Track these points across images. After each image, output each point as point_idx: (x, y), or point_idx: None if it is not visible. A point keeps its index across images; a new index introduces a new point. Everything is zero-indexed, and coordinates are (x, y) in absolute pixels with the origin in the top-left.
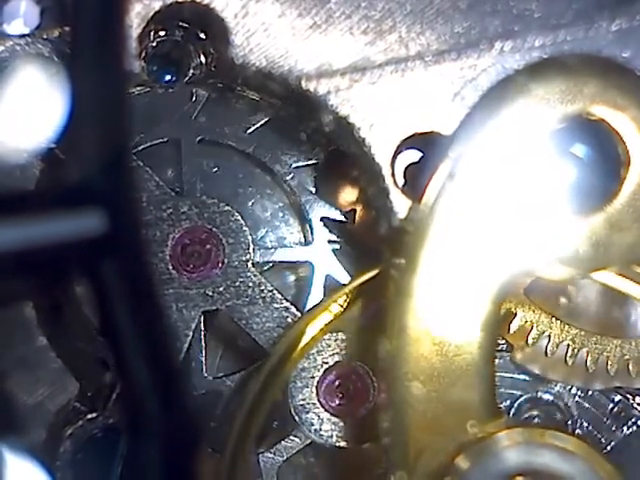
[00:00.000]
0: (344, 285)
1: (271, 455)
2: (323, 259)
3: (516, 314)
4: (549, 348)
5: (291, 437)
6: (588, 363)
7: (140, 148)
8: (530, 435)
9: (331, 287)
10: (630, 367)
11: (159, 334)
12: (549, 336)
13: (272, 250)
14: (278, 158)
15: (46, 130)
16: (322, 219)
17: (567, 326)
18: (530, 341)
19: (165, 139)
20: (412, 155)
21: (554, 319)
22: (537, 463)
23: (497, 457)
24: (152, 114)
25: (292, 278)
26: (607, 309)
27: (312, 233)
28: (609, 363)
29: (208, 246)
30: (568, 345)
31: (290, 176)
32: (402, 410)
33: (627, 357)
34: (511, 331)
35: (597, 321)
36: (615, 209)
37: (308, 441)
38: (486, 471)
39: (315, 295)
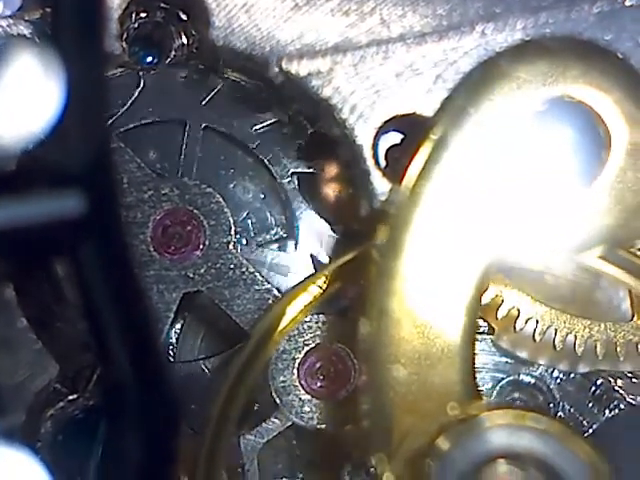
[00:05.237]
0: (325, 266)
1: (252, 437)
2: (305, 239)
3: (503, 300)
4: (537, 333)
5: (272, 419)
6: (576, 347)
7: (122, 130)
8: (511, 417)
9: (313, 267)
10: (618, 350)
11: (139, 316)
12: (536, 321)
13: (253, 232)
14: (260, 139)
15: (34, 113)
16: (293, 174)
17: (554, 310)
18: (517, 326)
19: (148, 120)
20: (393, 137)
21: (540, 304)
22: (518, 445)
23: (478, 439)
24: (133, 96)
25: (273, 260)
26: (592, 293)
27: (293, 213)
28: (597, 347)
29: (189, 228)
30: (556, 330)
31: (271, 158)
32: (383, 392)
33: (614, 340)
34: (499, 317)
35: (582, 305)
36: (597, 192)
37: (289, 423)
38: (467, 452)
39: (296, 277)
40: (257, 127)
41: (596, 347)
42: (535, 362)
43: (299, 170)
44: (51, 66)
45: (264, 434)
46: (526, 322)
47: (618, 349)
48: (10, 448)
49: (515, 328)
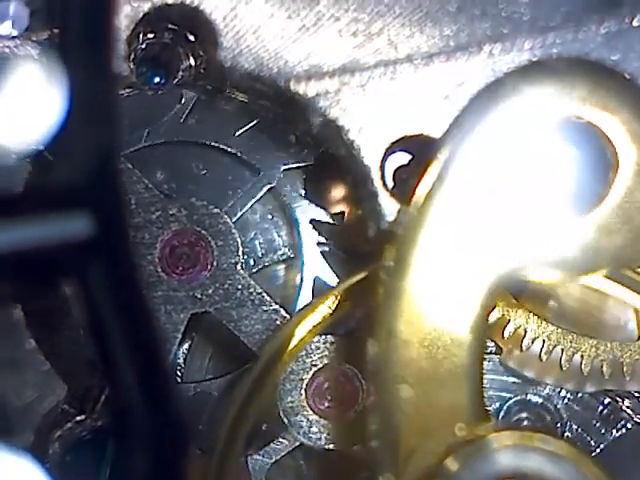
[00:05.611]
0: (333, 287)
1: (260, 457)
2: (312, 262)
3: (509, 320)
4: (543, 352)
5: (280, 439)
6: (582, 366)
7: (129, 150)
8: (519, 438)
9: (320, 289)
10: (624, 370)
11: (147, 337)
12: (543, 340)
13: (261, 253)
14: (267, 160)
15: (35, 132)
16: (311, 221)
17: (561, 330)
18: (524, 346)
19: (155, 142)
20: (401, 158)
21: (547, 323)
22: (526, 466)
23: (486, 460)
24: (142, 116)
25: (281, 281)
26: (599, 312)
27: (300, 236)
28: (603, 366)
29: (197, 248)
30: (562, 349)
31: (279, 178)
32: (390, 413)
33: (621, 360)
34: (505, 336)
35: (589, 325)
36: (604, 212)
37: (297, 443)
38: (475, 474)
39: (304, 298)
40: (240, 132)
41: (602, 367)
42: (542, 382)
43: (290, 166)
44: (55, 80)
45: (272, 454)
46: (532, 342)
47: (625, 369)
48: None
49: (522, 348)
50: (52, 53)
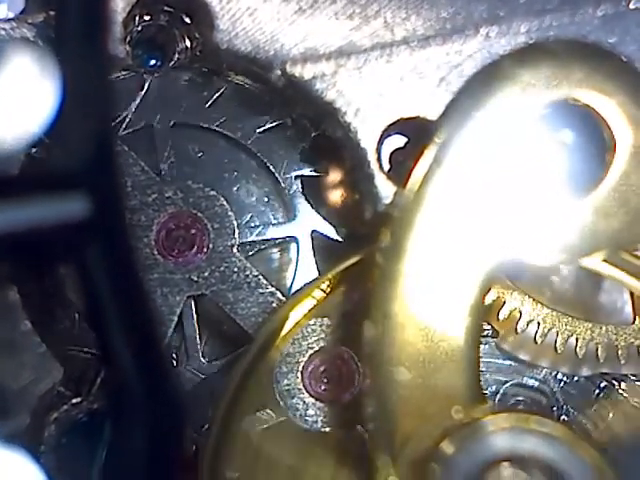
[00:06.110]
0: (329, 270)
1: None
2: (307, 243)
3: (505, 302)
4: (538, 335)
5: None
6: (577, 349)
7: (125, 132)
8: (515, 421)
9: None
10: (619, 353)
11: (144, 319)
12: (538, 323)
13: (257, 235)
14: (264, 143)
15: (31, 115)
16: (296, 177)
17: (556, 313)
18: (519, 328)
19: (151, 124)
20: (398, 140)
21: (542, 306)
22: (522, 449)
23: (482, 442)
24: (138, 98)
25: (277, 263)
26: (594, 295)
27: (296, 213)
28: (598, 349)
29: (193, 231)
30: (557, 332)
31: (275, 161)
32: (387, 396)
33: (616, 343)
34: (500, 319)
35: (585, 307)
36: (601, 195)
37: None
38: (471, 456)
39: (300, 280)
40: (261, 130)
41: (597, 350)
42: (537, 365)
43: (303, 173)
44: (51, 64)
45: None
46: (528, 324)
47: (619, 352)
48: (11, 451)
49: (517, 330)
50: (48, 36)
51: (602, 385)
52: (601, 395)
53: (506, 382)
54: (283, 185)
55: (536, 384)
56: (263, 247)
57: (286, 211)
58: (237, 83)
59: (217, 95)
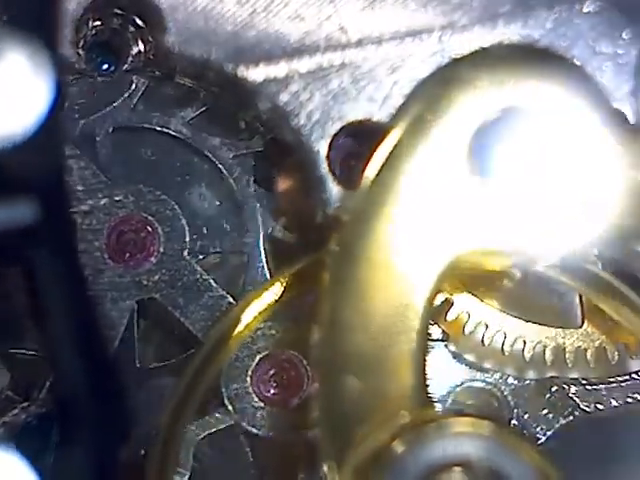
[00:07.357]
0: (279, 273)
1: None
2: (258, 248)
3: (453, 303)
4: (485, 337)
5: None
6: (524, 352)
7: (76, 136)
8: (463, 425)
9: (266, 275)
10: (566, 357)
11: (92, 323)
12: (486, 325)
13: (208, 239)
14: (217, 147)
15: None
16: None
17: (504, 315)
18: (467, 331)
19: (101, 126)
20: (349, 144)
21: (490, 308)
22: (467, 453)
23: (428, 448)
24: (90, 102)
25: (228, 267)
26: (544, 298)
27: (248, 223)
28: (546, 352)
29: (143, 234)
30: (505, 334)
31: (228, 164)
32: (334, 400)
33: (564, 347)
34: (447, 320)
35: (534, 310)
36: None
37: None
38: (417, 461)
39: (250, 284)
40: (189, 118)
41: (545, 353)
42: (486, 368)
43: (239, 152)
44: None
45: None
46: (476, 327)
47: (567, 355)
48: None
49: (464, 332)
50: None
51: (553, 389)
52: (552, 399)
53: (457, 386)
54: (236, 189)
55: (487, 387)
56: (214, 251)
57: (238, 215)
58: (190, 86)
59: (169, 98)
